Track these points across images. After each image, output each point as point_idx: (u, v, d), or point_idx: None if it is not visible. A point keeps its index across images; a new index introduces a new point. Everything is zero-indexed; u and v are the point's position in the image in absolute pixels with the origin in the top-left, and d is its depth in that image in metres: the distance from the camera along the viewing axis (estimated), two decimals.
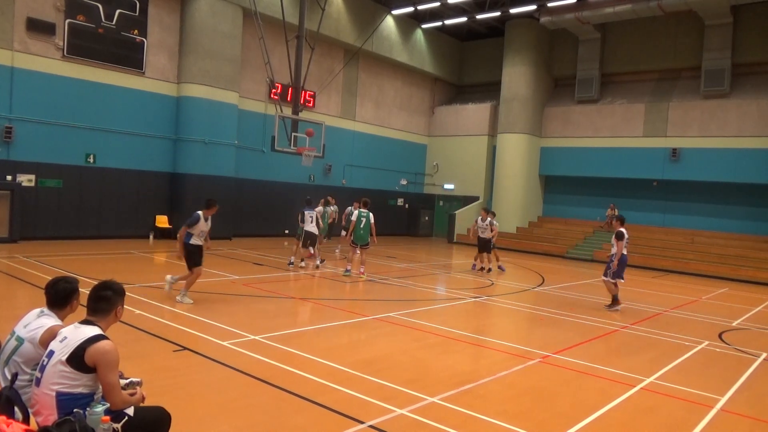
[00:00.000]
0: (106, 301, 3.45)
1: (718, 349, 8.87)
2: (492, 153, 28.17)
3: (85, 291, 3.57)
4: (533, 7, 23.95)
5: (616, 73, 26.05)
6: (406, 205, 29.58)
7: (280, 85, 21.47)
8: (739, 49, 22.61)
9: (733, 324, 11.23)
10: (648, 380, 6.79)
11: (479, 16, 25.63)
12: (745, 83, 22.69)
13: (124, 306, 3.60)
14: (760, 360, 8.27)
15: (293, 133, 18.80)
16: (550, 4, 23.52)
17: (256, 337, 7.46)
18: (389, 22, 26.21)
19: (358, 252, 14.20)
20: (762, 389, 6.92)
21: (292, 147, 18.63)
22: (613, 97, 25.92)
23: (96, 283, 3.55)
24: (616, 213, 25.16)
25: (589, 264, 21.74)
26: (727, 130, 22.50)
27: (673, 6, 21.57)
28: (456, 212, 27.72)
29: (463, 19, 26.08)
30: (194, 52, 19.32)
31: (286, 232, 22.17)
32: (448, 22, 26.64)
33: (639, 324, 10.38)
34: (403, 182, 29.02)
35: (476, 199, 28.54)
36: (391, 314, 9.55)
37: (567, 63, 27.10)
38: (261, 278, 12.55)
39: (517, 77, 26.64)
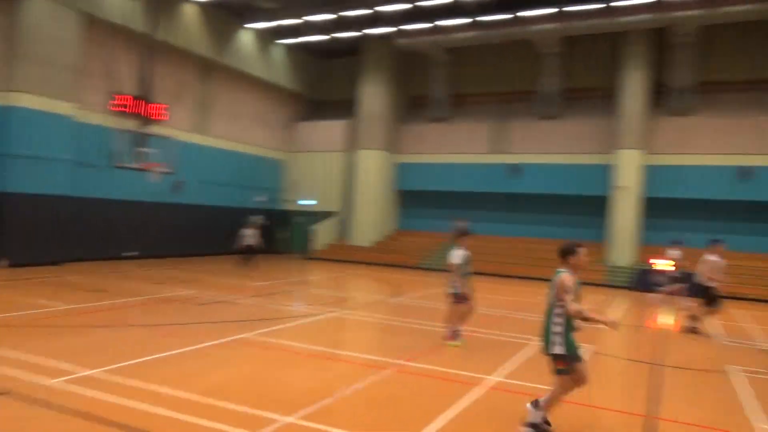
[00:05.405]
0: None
1: None
2: (349, 169, 28.63)
3: None
4: (389, 29, 24.95)
5: (465, 94, 27.91)
6: (263, 222, 28.90)
7: (126, 97, 20.00)
8: (568, 75, 25.50)
9: None
10: (496, 379, 7.23)
11: (337, 35, 26.10)
12: (574, 106, 25.55)
13: None
14: (583, 352, 9.19)
15: (140, 148, 17.63)
16: (404, 28, 24.67)
17: (93, 372, 6.76)
18: (246, 36, 25.70)
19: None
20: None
21: (137, 163, 17.46)
22: (463, 116, 27.72)
23: None
24: (466, 225, 26.81)
25: (440, 273, 22.80)
26: (561, 147, 25.13)
27: (513, 35, 23.91)
28: (313, 228, 27.72)
29: (321, 37, 26.38)
30: (24, 58, 17.23)
31: (126, 254, 20.57)
32: (305, 39, 26.76)
33: (485, 327, 11.03)
34: (260, 198, 28.36)
35: (333, 214, 28.81)
36: (245, 335, 9.22)
37: (421, 83, 28.48)
38: (99, 306, 11.48)
39: (373, 95, 27.47)
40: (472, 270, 9.33)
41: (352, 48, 28.42)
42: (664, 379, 7.93)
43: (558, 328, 5.25)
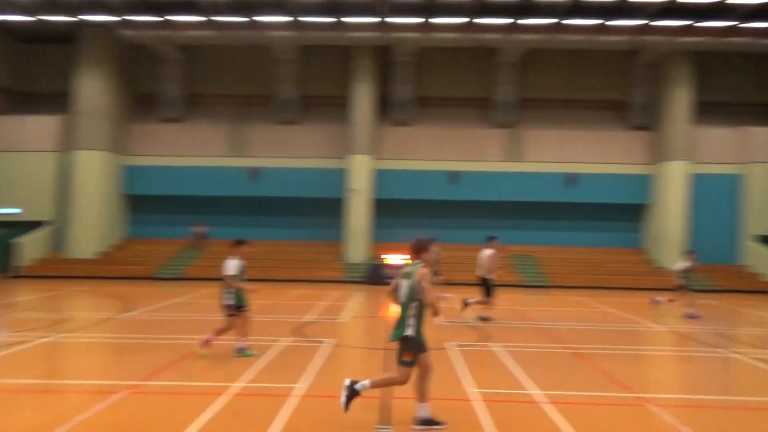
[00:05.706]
0: None
1: (299, 343, 9.92)
2: (64, 171, 25.06)
3: None
4: (111, 18, 22.52)
5: (201, 94, 26.84)
6: None
7: None
8: (305, 82, 26.40)
9: (308, 318, 12.78)
10: (241, 384, 7.03)
11: (45, 18, 22.61)
12: (311, 112, 26.61)
13: None
14: (327, 345, 9.61)
15: None
16: (129, 18, 22.54)
17: None
18: None
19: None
20: (330, 369, 8.02)
21: None
22: (199, 117, 26.64)
23: None
24: (205, 230, 25.89)
25: (178, 283, 21.66)
26: (299, 151, 25.91)
27: (249, 38, 23.82)
28: (17, 240, 23.61)
29: (24, 18, 22.55)
30: None
31: None
32: (1, 18, 22.59)
33: (230, 333, 10.69)
34: None
35: (44, 223, 24.94)
36: None
37: (151, 80, 26.47)
38: None
39: (94, 90, 24.53)
40: (246, 279, 8.98)
41: (67, 35, 24.93)
42: None
43: (412, 312, 5.54)
